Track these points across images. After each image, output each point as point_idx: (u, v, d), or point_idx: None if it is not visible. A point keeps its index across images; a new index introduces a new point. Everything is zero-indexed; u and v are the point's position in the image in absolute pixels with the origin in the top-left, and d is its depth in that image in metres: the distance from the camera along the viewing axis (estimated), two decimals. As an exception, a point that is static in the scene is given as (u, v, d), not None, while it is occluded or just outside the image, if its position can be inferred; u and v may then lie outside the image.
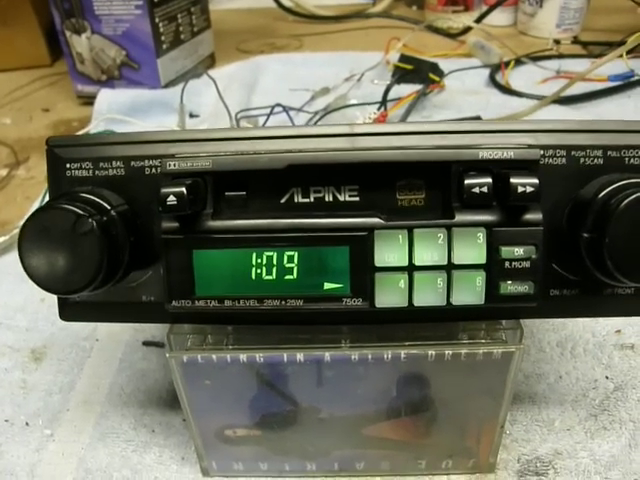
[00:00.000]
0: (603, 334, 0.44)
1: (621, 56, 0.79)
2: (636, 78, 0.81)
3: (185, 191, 0.25)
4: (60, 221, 0.25)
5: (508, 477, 0.35)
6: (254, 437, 0.34)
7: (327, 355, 0.29)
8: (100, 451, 0.38)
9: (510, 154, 0.26)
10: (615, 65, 0.80)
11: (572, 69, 0.85)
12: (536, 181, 0.25)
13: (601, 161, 0.28)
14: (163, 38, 0.82)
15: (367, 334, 0.30)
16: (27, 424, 0.40)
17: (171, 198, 0.25)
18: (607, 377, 0.41)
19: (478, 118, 0.73)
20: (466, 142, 0.28)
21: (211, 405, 0.32)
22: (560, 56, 0.92)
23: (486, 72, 0.88)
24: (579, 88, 0.79)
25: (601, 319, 0.45)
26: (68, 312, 0.31)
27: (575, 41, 1.02)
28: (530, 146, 0.27)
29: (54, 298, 0.32)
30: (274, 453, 0.34)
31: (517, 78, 0.86)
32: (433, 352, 0.29)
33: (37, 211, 0.26)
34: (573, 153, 0.28)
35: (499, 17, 1.10)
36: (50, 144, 0.29)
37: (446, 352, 0.29)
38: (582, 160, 0.28)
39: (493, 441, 0.34)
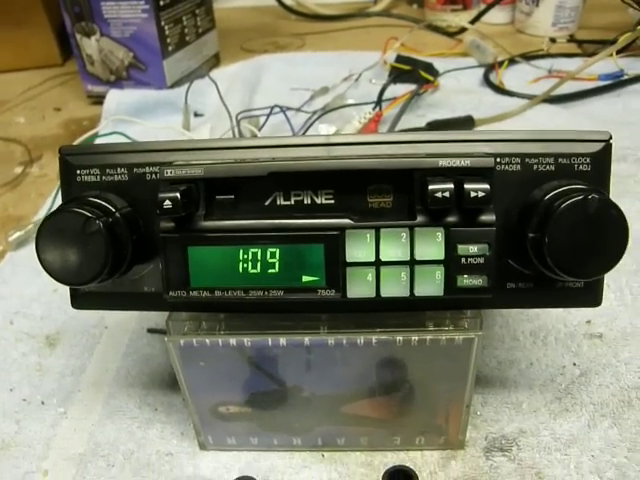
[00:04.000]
0: (574, 324, 0.47)
1: (611, 55, 0.81)
2: (626, 77, 0.84)
3: (179, 196, 0.29)
4: (71, 222, 0.29)
5: (476, 453, 0.38)
6: (245, 414, 0.38)
7: (307, 339, 0.33)
8: (108, 427, 0.41)
9: (467, 162, 0.30)
10: (606, 64, 0.83)
11: (565, 68, 0.87)
12: (487, 187, 0.29)
13: (552, 167, 0.31)
14: (169, 40, 0.86)
15: (345, 321, 0.34)
16: (43, 403, 0.44)
17: (167, 202, 0.29)
18: (574, 364, 0.44)
19: (470, 118, 0.76)
20: (431, 151, 0.31)
21: (206, 384, 0.36)
22: (553, 55, 0.94)
23: (481, 71, 0.90)
24: (570, 87, 0.81)
25: (573, 310, 0.48)
26: (79, 301, 0.35)
27: (571, 39, 1.04)
28: (487, 154, 0.31)
29: (66, 289, 0.35)
30: (263, 429, 0.38)
31: (510, 77, 0.88)
32: (401, 338, 0.33)
33: (52, 214, 0.30)
34: (527, 160, 0.31)
35: (497, 15, 1.12)
36: (63, 152, 0.33)
37: (412, 338, 0.33)
38: (535, 167, 0.31)
39: (461, 420, 0.37)
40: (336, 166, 0.30)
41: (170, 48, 0.86)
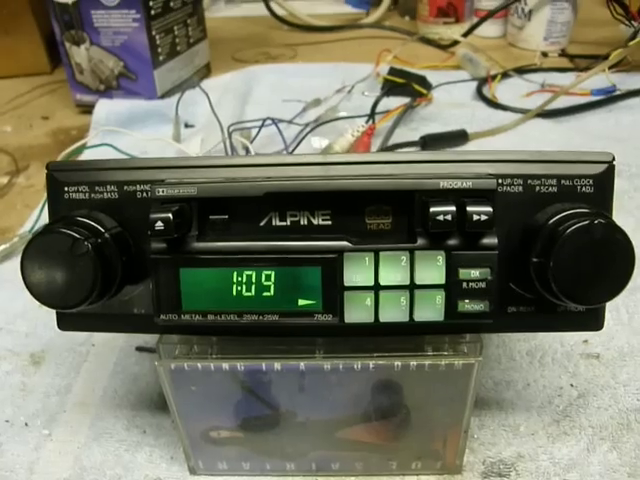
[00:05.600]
0: (571, 344, 0.47)
1: (604, 71, 0.82)
2: (618, 93, 0.84)
3: (172, 217, 0.28)
4: (59, 244, 0.28)
5: (473, 478, 0.38)
6: (237, 438, 0.36)
7: (302, 364, 0.32)
8: (95, 450, 0.40)
9: (469, 184, 0.29)
10: (599, 79, 0.83)
11: (558, 82, 0.87)
12: (490, 210, 0.28)
13: (555, 189, 0.31)
14: (160, 50, 0.85)
15: (341, 345, 0.33)
16: (26, 424, 0.42)
17: (159, 224, 0.28)
18: (572, 385, 0.43)
19: (464, 132, 0.75)
20: (431, 171, 0.30)
21: (197, 409, 0.35)
22: (545, 69, 0.94)
23: (474, 85, 0.90)
24: (563, 102, 0.81)
25: (570, 329, 0.48)
26: (65, 323, 0.34)
27: (562, 54, 1.04)
28: (489, 175, 0.30)
29: (52, 306, 0.34)
30: (256, 453, 0.37)
31: (503, 91, 0.88)
32: (399, 363, 0.32)
33: (38, 234, 0.28)
34: (529, 182, 0.31)
35: (489, 29, 1.12)
36: (50, 168, 0.32)
37: (411, 363, 0.32)
38: (537, 188, 0.31)
39: (458, 444, 0.36)
40: (335, 186, 0.29)
41: (161, 58, 0.85)
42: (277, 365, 0.32)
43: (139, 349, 0.48)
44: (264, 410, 0.35)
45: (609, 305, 0.49)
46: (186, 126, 0.81)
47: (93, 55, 0.84)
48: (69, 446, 0.41)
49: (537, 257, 0.28)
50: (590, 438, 0.39)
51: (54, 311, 0.34)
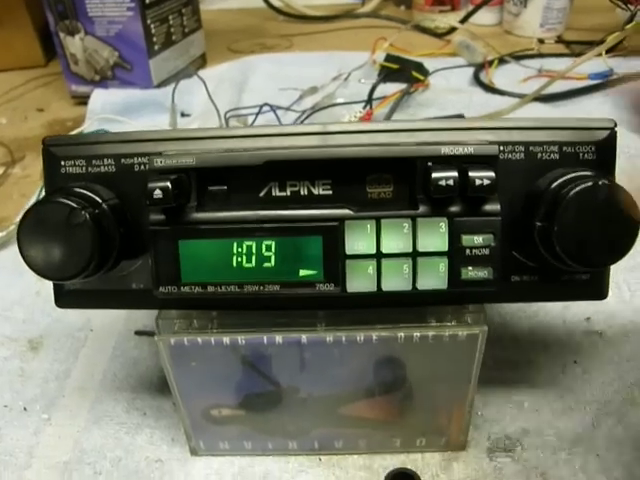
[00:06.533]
0: (574, 321, 0.46)
1: (600, 55, 0.81)
2: (614, 76, 0.84)
3: (170, 185, 0.27)
4: (55, 213, 0.27)
5: (478, 454, 0.37)
6: (238, 417, 0.36)
7: (304, 337, 0.32)
8: (94, 433, 0.40)
9: (470, 150, 0.28)
10: (596, 63, 0.83)
11: (554, 68, 0.87)
12: (492, 174, 0.28)
13: (557, 156, 0.30)
14: (155, 39, 0.84)
15: (342, 318, 0.32)
16: (25, 409, 0.42)
17: (157, 192, 0.27)
18: (575, 362, 0.43)
19: (461, 116, 0.75)
20: (431, 139, 0.30)
21: (197, 386, 0.34)
22: (542, 55, 0.94)
23: (471, 71, 0.90)
24: (560, 86, 0.80)
25: (572, 307, 0.47)
26: (63, 300, 0.33)
27: (559, 40, 1.04)
28: (490, 142, 0.30)
29: (49, 291, 0.33)
30: (257, 432, 0.37)
31: (500, 77, 0.88)
32: (402, 334, 0.31)
33: (34, 205, 0.28)
34: (531, 148, 0.30)
35: (485, 16, 1.12)
36: (46, 143, 0.31)
37: (414, 334, 0.31)
38: (539, 155, 0.30)
39: (463, 420, 0.36)
40: (337, 154, 0.29)
41: (156, 47, 0.85)
42: (278, 338, 0.32)
43: (138, 333, 0.47)
44: (266, 387, 0.35)
45: (610, 283, 0.50)
46: (182, 115, 0.81)
47: (88, 45, 0.84)
48: (69, 430, 0.40)
49: (541, 221, 0.28)
50: (595, 413, 0.39)
51: (51, 298, 0.34)
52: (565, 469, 0.36)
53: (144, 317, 0.48)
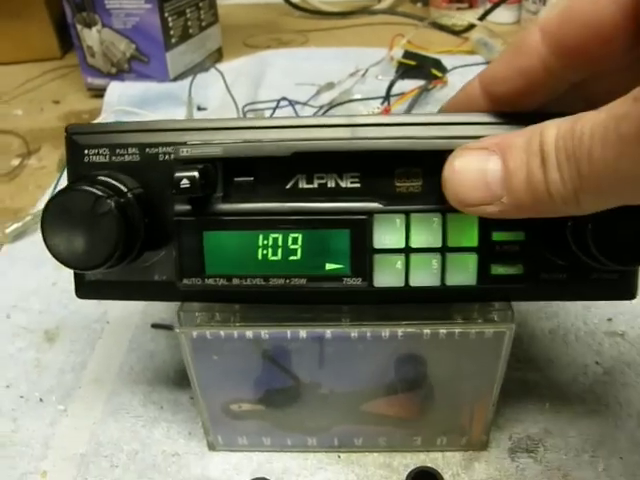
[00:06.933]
0: (595, 322, 0.46)
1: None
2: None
3: (197, 175, 0.27)
4: (80, 202, 0.27)
5: (500, 454, 0.37)
6: (258, 412, 0.36)
7: (328, 332, 0.31)
8: (111, 425, 0.39)
9: (503, 144, 0.28)
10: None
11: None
12: (525, 169, 0.27)
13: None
14: (172, 32, 0.84)
15: (367, 313, 0.32)
16: (41, 400, 0.42)
17: (184, 181, 0.27)
18: (597, 362, 0.42)
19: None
20: (462, 133, 0.29)
21: (218, 380, 0.34)
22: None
23: (489, 69, 0.89)
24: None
25: (593, 308, 0.47)
26: (84, 290, 0.33)
27: (578, 39, 1.03)
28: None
29: (66, 282, 0.33)
30: (277, 428, 0.36)
31: (519, 75, 0.87)
32: (428, 331, 0.31)
33: (59, 192, 0.28)
34: None
35: (503, 14, 1.11)
36: (69, 131, 0.31)
37: (440, 331, 0.31)
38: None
39: (485, 419, 0.35)
40: (367, 146, 0.28)
41: (173, 40, 0.85)
42: (302, 332, 0.31)
43: (155, 326, 0.47)
44: (287, 382, 0.34)
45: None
46: (199, 109, 0.80)
47: (105, 37, 0.84)
48: (85, 421, 0.40)
49: (574, 219, 0.27)
50: (618, 414, 0.38)
51: (68, 289, 0.33)
52: (588, 471, 0.35)
53: (161, 311, 0.48)
